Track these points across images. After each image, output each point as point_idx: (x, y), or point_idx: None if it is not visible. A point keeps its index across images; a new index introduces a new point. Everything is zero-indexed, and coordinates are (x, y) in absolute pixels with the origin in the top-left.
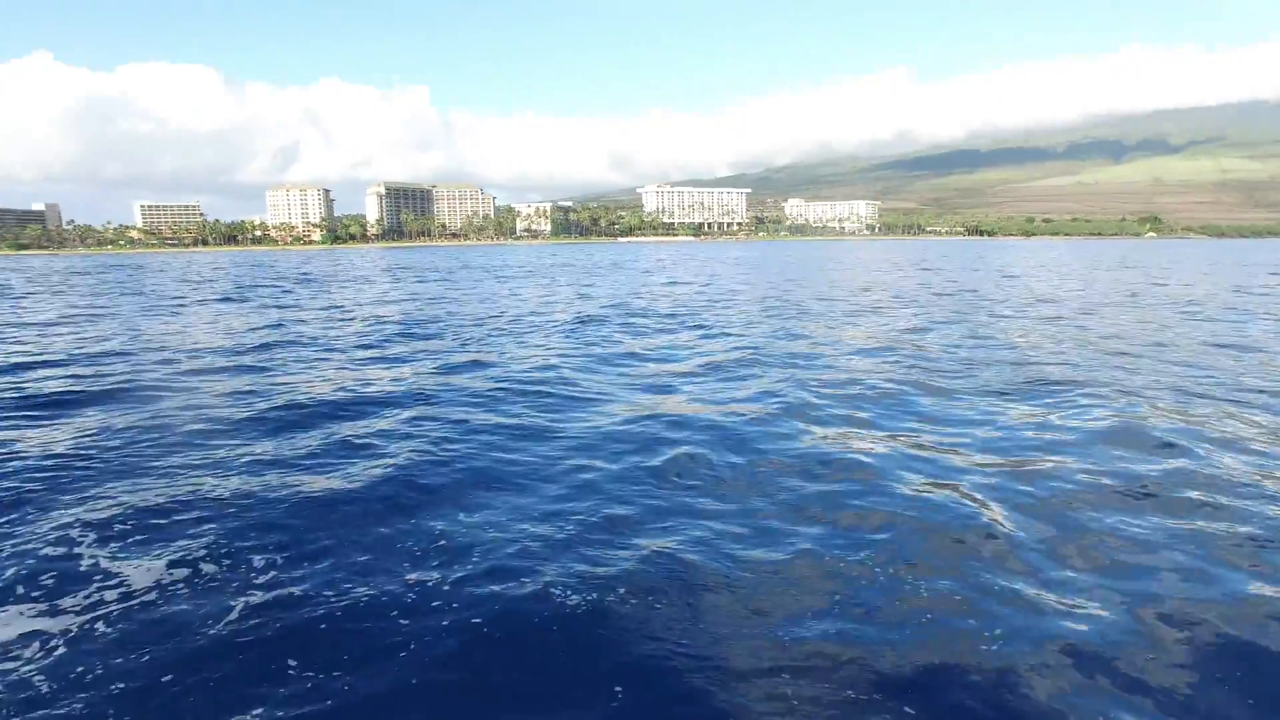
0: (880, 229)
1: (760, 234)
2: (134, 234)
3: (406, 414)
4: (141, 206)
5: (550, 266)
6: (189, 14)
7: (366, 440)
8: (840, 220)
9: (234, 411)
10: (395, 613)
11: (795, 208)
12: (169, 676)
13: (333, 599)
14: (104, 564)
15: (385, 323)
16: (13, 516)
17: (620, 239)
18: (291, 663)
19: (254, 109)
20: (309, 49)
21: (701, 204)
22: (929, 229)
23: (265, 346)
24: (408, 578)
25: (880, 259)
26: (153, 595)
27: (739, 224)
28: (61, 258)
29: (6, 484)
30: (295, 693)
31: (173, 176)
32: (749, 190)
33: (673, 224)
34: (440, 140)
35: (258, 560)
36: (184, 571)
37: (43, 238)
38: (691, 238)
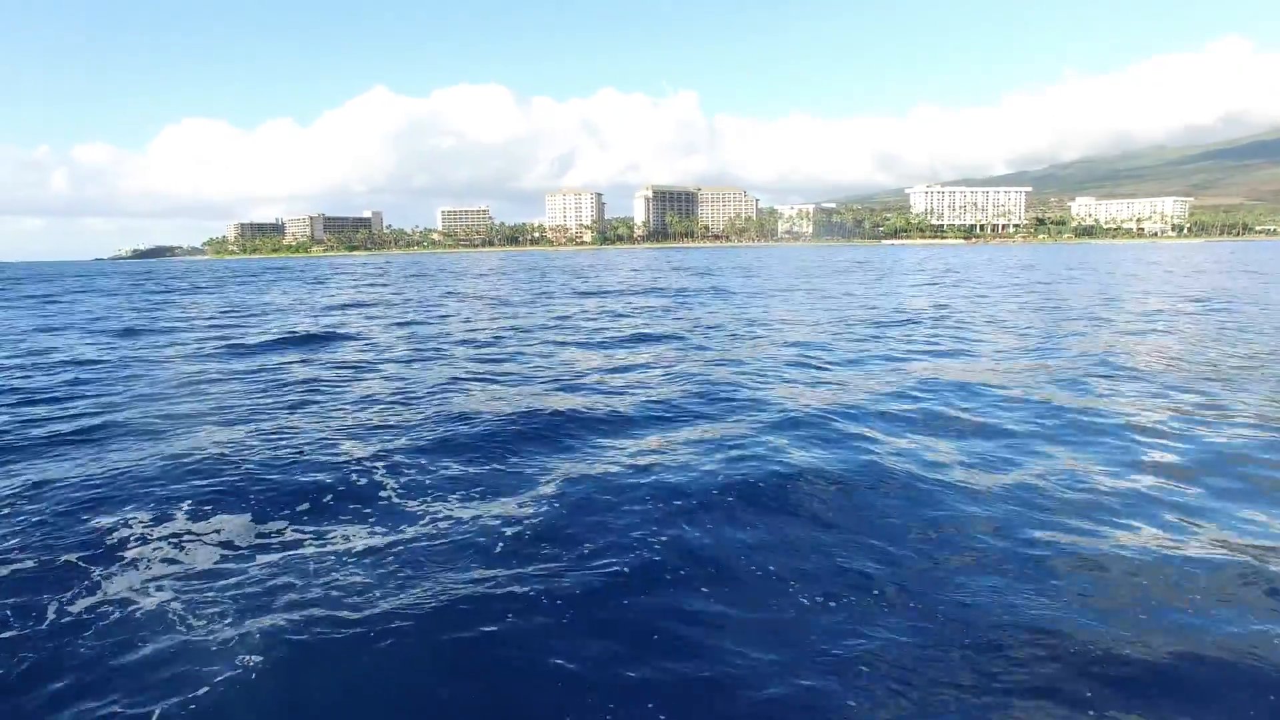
0: (1192, 229)
1: (1040, 236)
2: (435, 236)
3: None
4: (443, 211)
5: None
6: (490, 39)
7: None
8: (1139, 220)
9: None
10: None
11: (1083, 207)
12: None
13: None
14: None
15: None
16: None
17: (884, 242)
18: None
19: (538, 121)
20: (590, 62)
21: (974, 204)
22: (1259, 228)
23: None
24: None
25: None
26: None
27: (1016, 226)
28: (399, 257)
29: None
30: None
31: (467, 184)
32: (1029, 189)
33: (942, 226)
34: (704, 144)
35: None
36: None
37: (368, 240)
38: (961, 241)
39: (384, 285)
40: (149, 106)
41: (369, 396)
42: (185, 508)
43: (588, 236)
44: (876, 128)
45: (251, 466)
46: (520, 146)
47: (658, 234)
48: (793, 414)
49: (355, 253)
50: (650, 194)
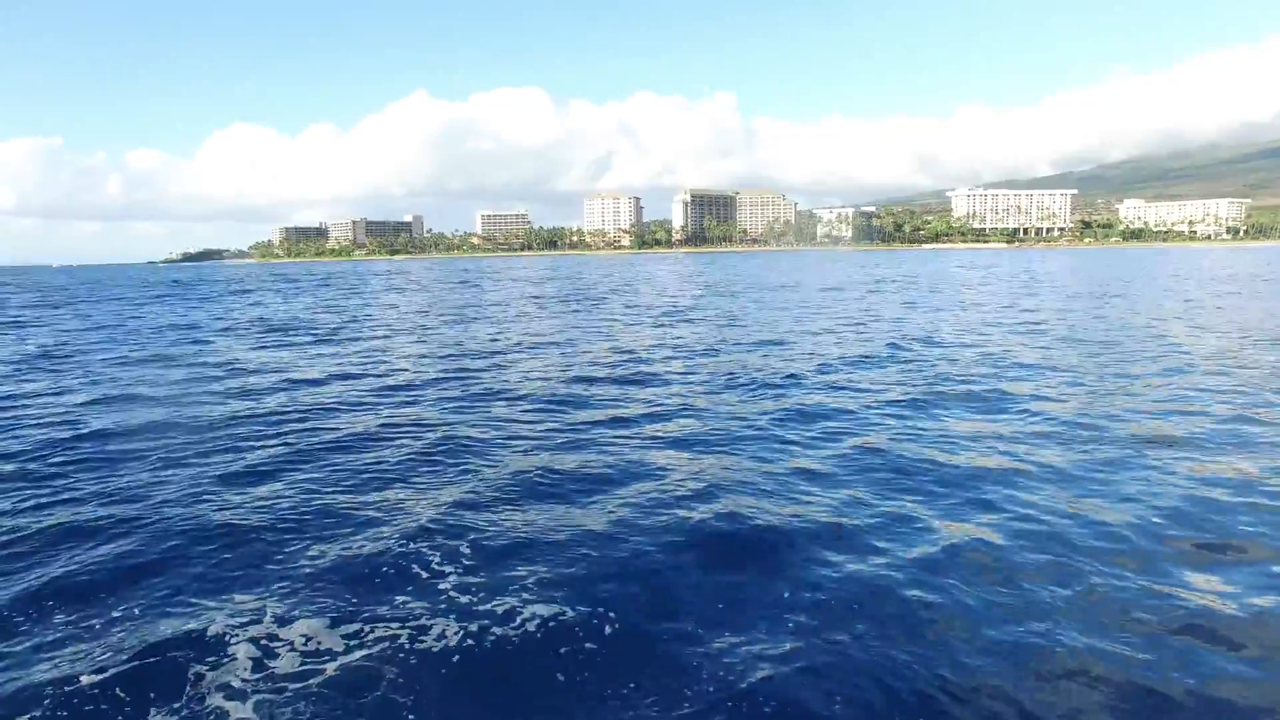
0: (1249, 231)
1: (1086, 240)
2: (474, 240)
3: None
4: (482, 216)
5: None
6: (529, 42)
7: None
8: (1191, 223)
9: None
10: None
11: (1132, 209)
12: None
13: None
14: None
15: None
16: None
17: (925, 246)
18: None
19: (575, 124)
20: (627, 65)
21: (1018, 207)
22: None
23: None
24: None
25: None
26: None
27: (1061, 229)
28: (441, 261)
29: None
30: None
31: (504, 188)
32: (1074, 191)
33: (984, 230)
34: (741, 146)
35: None
36: None
37: (409, 244)
38: (1004, 245)
39: None
40: (194, 111)
41: None
42: None
43: (626, 240)
44: (915, 128)
45: None
46: (558, 149)
47: (695, 238)
48: None
49: (396, 256)
50: (688, 198)
